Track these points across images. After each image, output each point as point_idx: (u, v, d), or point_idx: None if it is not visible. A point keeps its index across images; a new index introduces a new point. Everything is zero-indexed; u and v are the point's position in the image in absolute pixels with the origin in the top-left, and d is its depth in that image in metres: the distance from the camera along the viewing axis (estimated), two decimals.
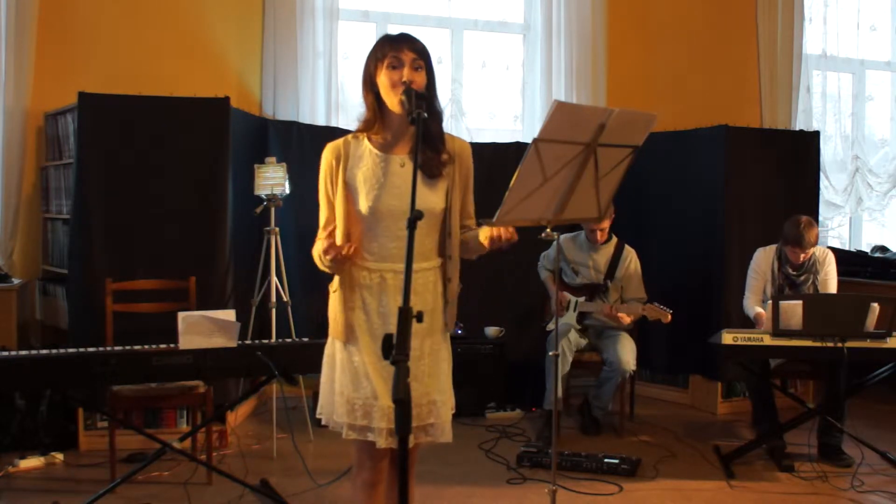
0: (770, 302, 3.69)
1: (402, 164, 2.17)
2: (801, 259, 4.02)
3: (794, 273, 4.10)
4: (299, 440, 4.04)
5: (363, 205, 2.14)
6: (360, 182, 2.16)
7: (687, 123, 5.06)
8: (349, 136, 2.23)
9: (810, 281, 4.10)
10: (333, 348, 2.25)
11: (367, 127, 2.20)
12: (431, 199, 2.15)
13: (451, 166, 2.21)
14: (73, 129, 4.13)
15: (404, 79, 2.08)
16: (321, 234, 2.24)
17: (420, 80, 2.11)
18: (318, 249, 2.17)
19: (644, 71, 5.69)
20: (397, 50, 2.11)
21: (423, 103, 2.03)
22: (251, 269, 4.35)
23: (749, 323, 4.27)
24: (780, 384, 4.23)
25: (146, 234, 3.98)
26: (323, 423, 2.24)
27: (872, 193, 6.15)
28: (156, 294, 3.79)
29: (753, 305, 4.16)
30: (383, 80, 2.12)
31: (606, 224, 4.35)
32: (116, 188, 3.96)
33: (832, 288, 4.11)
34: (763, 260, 4.19)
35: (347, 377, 2.17)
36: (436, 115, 2.17)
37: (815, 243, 4.02)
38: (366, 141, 2.20)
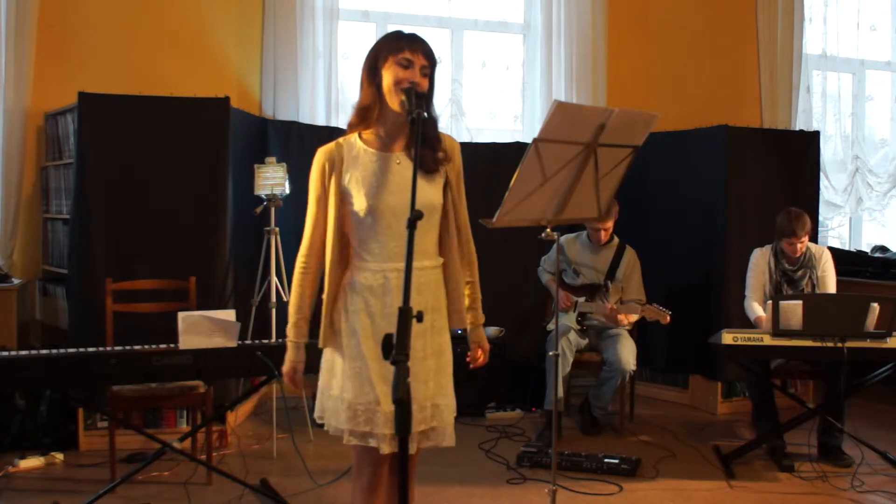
0: (770, 302, 3.69)
1: (398, 161, 2.15)
2: (799, 250, 4.04)
3: (791, 268, 4.12)
4: (299, 440, 4.04)
5: (362, 205, 2.11)
6: (357, 183, 2.13)
7: (687, 123, 5.06)
8: (340, 140, 2.19)
9: (807, 276, 4.11)
10: (333, 353, 2.20)
11: (363, 117, 2.16)
12: (430, 192, 2.12)
13: (447, 164, 2.19)
14: (73, 129, 4.13)
15: (412, 79, 2.06)
16: (305, 242, 2.22)
17: (425, 85, 2.10)
18: (296, 276, 2.24)
19: (644, 71, 5.69)
20: (413, 51, 2.09)
21: (424, 104, 2.02)
22: (251, 269, 4.35)
23: (749, 323, 4.27)
24: (780, 384, 4.23)
25: (146, 234, 3.98)
26: (325, 428, 2.22)
27: (872, 193, 6.15)
28: (156, 294, 3.79)
29: (755, 306, 4.16)
30: (388, 75, 2.09)
31: (610, 224, 4.35)
32: (116, 188, 3.96)
33: (831, 285, 4.12)
34: (760, 259, 4.21)
35: (349, 382, 2.14)
36: (432, 118, 2.15)
37: (809, 231, 4.05)
38: (358, 141, 2.17)
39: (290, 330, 2.23)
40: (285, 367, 2.24)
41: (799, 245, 4.03)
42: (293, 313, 2.23)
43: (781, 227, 4.04)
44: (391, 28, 5.23)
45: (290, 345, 2.24)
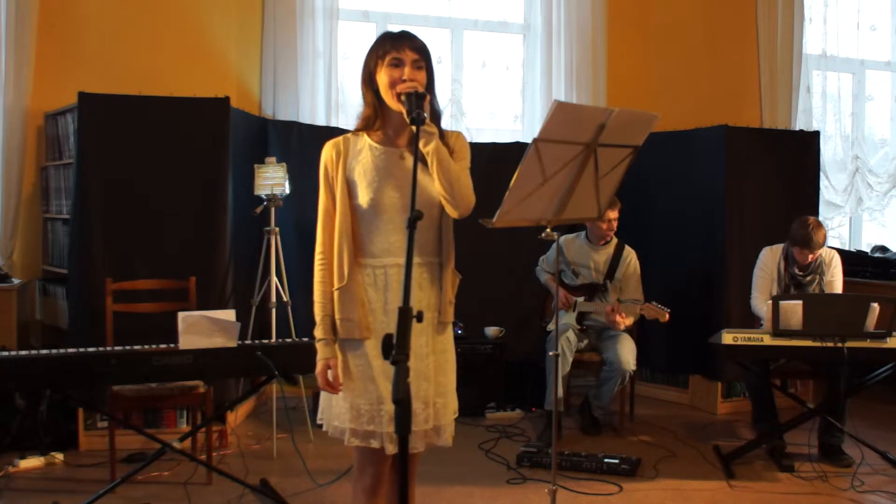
0: (770, 302, 3.69)
1: (401, 156, 2.15)
2: (809, 260, 4.01)
3: (801, 274, 4.08)
4: (299, 440, 4.04)
5: (364, 198, 2.11)
6: (359, 175, 2.13)
7: (687, 123, 5.06)
8: (349, 134, 2.21)
9: (816, 282, 4.07)
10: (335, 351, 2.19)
11: (367, 125, 2.18)
12: (432, 188, 2.10)
13: (455, 158, 2.16)
14: (73, 129, 4.13)
15: (405, 77, 2.06)
16: (319, 238, 2.19)
17: (421, 78, 2.09)
18: (317, 294, 2.17)
19: (644, 71, 5.69)
20: (399, 49, 2.09)
21: (423, 103, 2.01)
22: (251, 269, 4.35)
23: (749, 323, 4.27)
24: (780, 384, 4.23)
25: (146, 234, 3.98)
26: (323, 429, 2.21)
27: (872, 193, 6.15)
28: (156, 294, 3.79)
29: (762, 305, 4.13)
30: (383, 78, 2.09)
31: (615, 214, 4.32)
32: (116, 188, 3.96)
33: (838, 290, 4.09)
34: (770, 259, 4.17)
35: (352, 381, 2.13)
36: (435, 112, 2.14)
37: (823, 244, 3.99)
38: (365, 136, 2.18)
39: (317, 329, 2.17)
40: (317, 368, 2.16)
41: (811, 256, 3.99)
42: (318, 311, 2.16)
43: (796, 235, 3.96)
44: (391, 28, 5.25)
45: (318, 344, 2.16)
